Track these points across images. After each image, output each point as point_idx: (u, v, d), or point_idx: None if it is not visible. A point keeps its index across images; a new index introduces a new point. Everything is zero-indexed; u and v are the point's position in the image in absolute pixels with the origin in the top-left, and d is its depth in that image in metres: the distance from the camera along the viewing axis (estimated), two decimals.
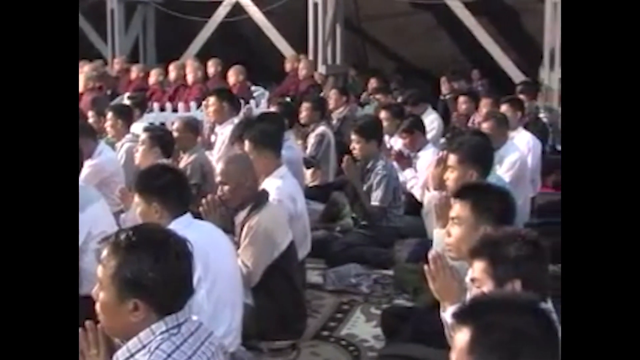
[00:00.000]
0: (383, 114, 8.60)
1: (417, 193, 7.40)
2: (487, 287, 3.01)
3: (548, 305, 3.11)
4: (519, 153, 7.30)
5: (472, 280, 3.12)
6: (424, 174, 7.04)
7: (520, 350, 2.07)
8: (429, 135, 8.78)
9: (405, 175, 7.73)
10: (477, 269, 3.07)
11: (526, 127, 8.89)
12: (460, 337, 2.13)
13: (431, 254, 3.59)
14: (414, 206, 7.05)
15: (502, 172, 6.80)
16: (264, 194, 5.08)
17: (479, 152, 5.22)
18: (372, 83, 13.03)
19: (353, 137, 7.07)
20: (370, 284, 6.11)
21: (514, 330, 2.08)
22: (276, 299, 4.97)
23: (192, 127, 7.41)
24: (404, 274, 6.03)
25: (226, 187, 5.00)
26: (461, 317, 2.17)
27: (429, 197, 5.76)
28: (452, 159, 5.15)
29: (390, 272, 6.31)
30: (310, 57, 15.03)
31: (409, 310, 5.23)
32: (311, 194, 7.94)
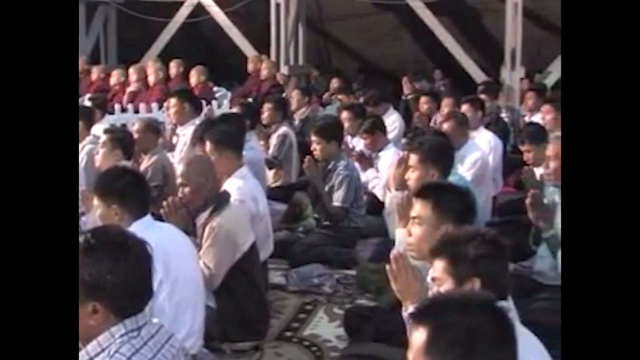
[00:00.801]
0: (344, 115, 8.63)
1: (379, 193, 7.43)
2: (447, 286, 3.02)
3: (508, 303, 3.13)
4: (480, 152, 7.35)
5: (433, 279, 3.14)
6: (385, 174, 7.06)
7: (476, 349, 2.08)
8: (390, 136, 8.81)
9: (367, 176, 7.76)
10: (437, 268, 3.09)
11: (487, 127, 8.98)
12: (417, 337, 2.13)
13: (393, 254, 3.59)
14: (376, 206, 7.08)
15: (464, 171, 6.84)
16: (225, 195, 5.07)
17: (440, 151, 5.24)
18: (334, 83, 13.04)
19: (313, 138, 7.07)
20: (333, 284, 6.12)
21: (469, 329, 2.09)
22: (238, 301, 4.96)
23: (153, 128, 7.37)
24: (366, 273, 6.05)
25: (187, 189, 4.97)
26: (418, 316, 2.18)
27: (390, 197, 5.77)
28: (413, 158, 5.17)
29: (352, 272, 6.32)
30: (273, 57, 15.03)
31: (371, 310, 5.25)
32: (273, 194, 7.93)
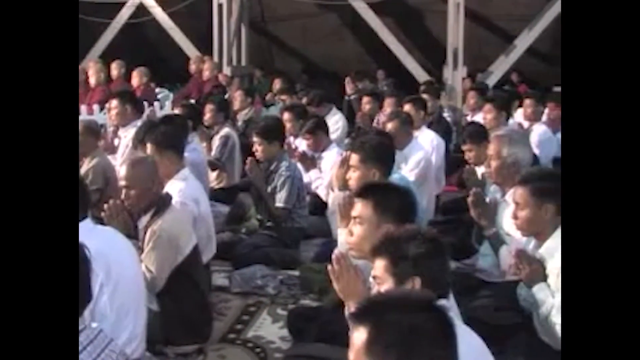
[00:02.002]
0: (286, 115, 8.62)
1: (321, 193, 7.44)
2: (388, 285, 3.04)
3: (449, 301, 3.15)
4: (423, 152, 7.40)
5: (374, 278, 3.15)
6: (328, 174, 7.07)
7: (415, 348, 2.09)
8: (333, 136, 8.83)
9: (309, 176, 7.77)
10: (378, 267, 3.09)
11: (430, 126, 9.03)
12: (357, 337, 2.14)
13: (334, 254, 3.60)
14: (319, 206, 7.09)
15: (407, 171, 6.88)
16: (167, 198, 5.02)
17: (381, 151, 5.26)
18: (277, 84, 13.04)
19: (255, 139, 7.05)
20: (277, 285, 6.10)
21: (409, 329, 2.10)
22: (181, 303, 4.92)
23: (93, 130, 7.26)
24: (309, 274, 6.05)
25: (132, 192, 4.90)
26: (357, 316, 2.18)
27: (333, 197, 5.78)
28: (354, 158, 5.18)
29: (296, 273, 6.31)
30: (215, 58, 14.98)
31: (314, 310, 5.25)
32: (216, 196, 7.91)
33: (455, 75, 15.11)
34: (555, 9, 16.20)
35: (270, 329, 5.44)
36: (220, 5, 15.54)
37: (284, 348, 5.08)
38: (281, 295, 6.02)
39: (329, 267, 3.55)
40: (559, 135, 9.40)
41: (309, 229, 7.01)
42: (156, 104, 11.13)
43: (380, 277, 3.08)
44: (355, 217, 3.90)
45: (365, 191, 3.97)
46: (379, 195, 3.89)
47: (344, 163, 5.43)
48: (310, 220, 7.04)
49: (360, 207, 3.87)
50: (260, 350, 5.10)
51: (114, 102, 8.34)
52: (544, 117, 9.67)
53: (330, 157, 7.64)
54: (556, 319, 4.10)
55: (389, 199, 3.86)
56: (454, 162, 8.78)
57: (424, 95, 10.03)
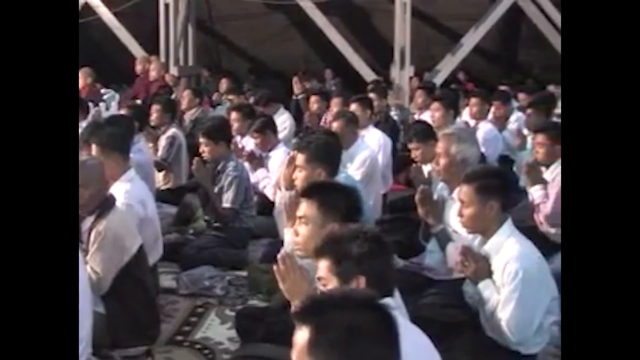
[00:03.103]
0: (233, 115, 8.58)
1: (269, 193, 7.42)
2: (332, 285, 3.03)
3: (394, 300, 3.16)
4: (369, 151, 7.41)
5: (318, 279, 3.14)
6: (275, 173, 7.05)
7: (358, 347, 2.09)
8: (281, 135, 8.81)
9: (257, 176, 7.74)
10: (322, 267, 3.09)
11: (377, 126, 9.06)
12: (300, 336, 2.14)
13: (280, 254, 3.60)
14: (267, 206, 7.06)
15: (353, 170, 6.89)
16: (111, 199, 4.98)
17: (327, 151, 5.26)
18: (224, 84, 12.99)
19: (201, 139, 7.00)
20: (225, 286, 6.08)
21: (351, 328, 2.10)
22: (128, 306, 4.87)
23: None
24: (257, 274, 6.03)
25: (86, 193, 4.80)
26: (300, 316, 2.18)
27: (280, 197, 5.78)
28: (299, 158, 5.18)
29: (244, 273, 6.29)
30: (162, 58, 14.87)
31: (262, 311, 5.22)
32: (163, 197, 7.86)
33: (402, 74, 15.19)
34: (501, 9, 16.37)
35: (218, 330, 5.41)
36: (166, 5, 15.44)
37: (232, 349, 5.06)
38: (229, 296, 5.99)
39: (275, 267, 3.55)
40: (504, 133, 9.50)
41: (257, 229, 6.99)
42: (102, 104, 11.03)
43: (324, 278, 3.08)
44: (300, 217, 3.90)
45: (310, 191, 3.97)
46: (323, 194, 3.89)
47: (291, 163, 5.43)
48: (257, 220, 7.02)
49: (305, 207, 3.87)
50: (208, 352, 5.08)
51: None
52: (490, 116, 9.75)
53: (278, 157, 7.63)
54: (502, 314, 4.14)
55: (333, 198, 3.87)
56: (401, 161, 8.81)
57: (371, 95, 10.06)
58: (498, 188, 4.35)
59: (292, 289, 3.51)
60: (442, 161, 5.41)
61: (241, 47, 18.62)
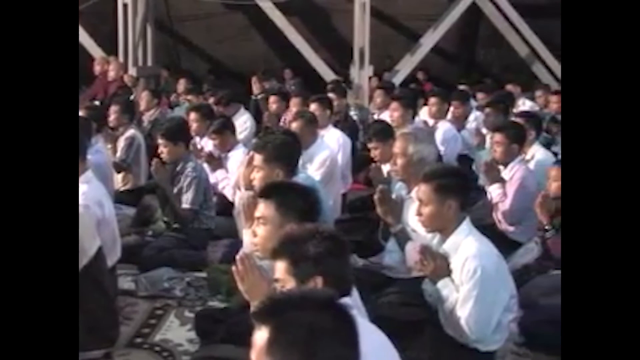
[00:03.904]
0: (192, 116, 8.54)
1: (228, 193, 7.40)
2: (290, 286, 3.03)
3: (353, 299, 3.16)
4: (328, 151, 7.42)
5: (276, 280, 3.13)
6: (235, 174, 7.03)
7: (316, 347, 2.10)
8: (241, 136, 8.80)
9: (216, 176, 7.72)
10: (279, 268, 3.08)
11: (336, 125, 9.06)
12: (259, 337, 2.14)
13: (239, 255, 3.60)
14: (226, 207, 7.04)
15: (312, 170, 6.89)
16: None
17: (285, 151, 5.26)
18: (183, 84, 12.93)
19: (160, 140, 6.96)
20: (184, 287, 6.05)
21: (309, 327, 2.11)
22: (86, 308, 4.82)
23: None
24: (217, 275, 6.01)
25: None
26: (259, 316, 2.18)
27: (239, 198, 5.76)
28: (257, 158, 5.17)
29: (203, 274, 6.26)
30: (121, 59, 14.76)
31: (222, 312, 5.21)
32: (122, 198, 7.80)
33: (361, 74, 15.22)
34: (460, 9, 16.46)
35: (177, 332, 5.38)
36: (125, 5, 15.32)
37: (191, 350, 5.04)
38: (189, 298, 5.96)
39: (234, 268, 3.54)
40: (463, 132, 9.56)
41: (216, 230, 6.96)
42: None
43: (281, 279, 3.07)
44: (258, 218, 3.89)
45: (268, 191, 3.96)
46: (281, 195, 3.89)
47: (249, 163, 5.42)
48: (217, 221, 6.99)
49: (263, 208, 3.87)
50: (167, 354, 5.06)
51: None
52: (449, 115, 9.80)
53: (237, 157, 7.61)
54: (460, 312, 4.16)
55: (292, 198, 3.87)
56: (361, 160, 8.83)
57: (331, 95, 10.07)
58: (456, 187, 4.37)
59: (251, 290, 3.51)
60: (400, 161, 5.43)
61: (200, 48, 18.55)
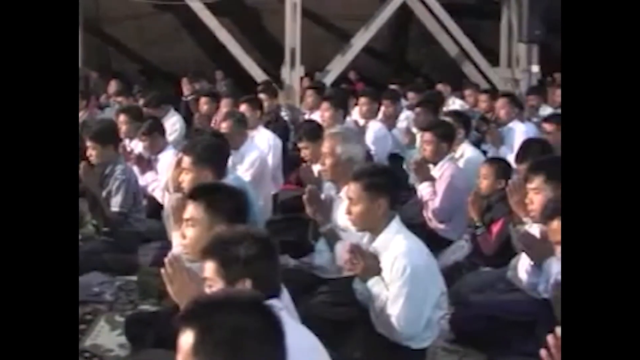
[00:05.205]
0: (121, 118, 8.44)
1: (158, 196, 7.34)
2: (218, 286, 3.01)
3: (281, 300, 3.15)
4: (258, 152, 7.41)
5: (204, 280, 3.11)
6: (164, 176, 6.97)
7: (243, 348, 2.09)
8: (171, 138, 8.74)
9: (146, 179, 7.64)
10: (209, 268, 3.06)
11: (267, 126, 9.06)
12: (184, 339, 2.13)
13: (168, 257, 3.57)
14: (157, 209, 6.97)
15: (243, 171, 6.88)
16: None
17: (213, 152, 5.23)
18: (112, 86, 12.79)
19: (88, 143, 6.84)
20: (114, 292, 5.99)
21: (235, 329, 2.10)
22: None
23: None
24: (147, 278, 5.93)
25: None
26: (184, 319, 2.16)
27: (168, 200, 5.72)
28: (186, 160, 5.14)
29: (134, 278, 6.20)
30: None
31: (153, 315, 5.15)
32: None
33: (293, 75, 15.24)
34: (390, 9, 16.58)
35: (108, 337, 5.31)
36: None
37: (122, 356, 4.98)
38: (119, 302, 5.90)
39: (163, 270, 3.51)
40: (394, 131, 9.62)
41: (147, 233, 6.88)
42: None
43: (210, 280, 3.05)
44: (187, 220, 3.87)
45: (197, 193, 3.94)
46: (210, 196, 3.87)
47: (178, 165, 5.38)
48: (147, 223, 6.92)
49: (191, 209, 3.85)
50: None
51: None
52: (380, 115, 9.86)
53: (167, 159, 7.54)
54: (391, 310, 4.18)
55: (220, 200, 3.85)
56: (292, 161, 8.81)
57: (261, 95, 10.06)
58: (386, 186, 4.39)
59: (180, 292, 3.48)
60: (328, 161, 5.43)
61: (130, 49, 18.37)
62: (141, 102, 10.30)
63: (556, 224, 3.49)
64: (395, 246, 4.24)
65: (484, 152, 8.27)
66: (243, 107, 8.41)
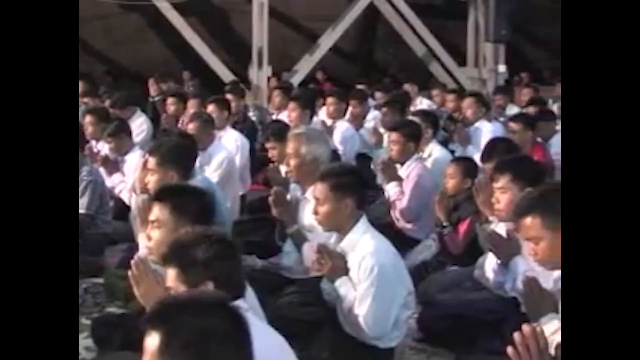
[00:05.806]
0: (87, 119, 8.37)
1: (125, 197, 7.29)
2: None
3: (246, 301, 3.14)
4: (226, 152, 7.39)
5: (167, 288, 3.09)
6: (131, 177, 6.93)
7: (209, 350, 2.10)
8: (138, 139, 8.69)
9: (113, 180, 7.58)
10: (170, 276, 3.04)
11: (235, 126, 9.04)
12: (150, 342, 2.13)
13: (134, 259, 3.56)
14: (123, 211, 6.93)
15: (210, 171, 6.85)
16: None
17: (178, 153, 5.21)
18: (79, 86, 12.68)
19: None
20: (81, 294, 5.93)
21: (201, 331, 2.10)
22: None
23: None
24: (114, 280, 5.90)
25: None
26: (149, 322, 2.16)
27: (135, 201, 5.68)
28: (151, 161, 5.11)
29: (101, 280, 6.15)
30: None
31: (119, 318, 5.12)
32: None
33: (260, 75, 15.23)
34: (358, 9, 16.61)
35: None
36: None
37: (88, 359, 4.94)
38: (86, 305, 5.84)
39: (129, 272, 3.50)
40: (361, 131, 9.63)
41: (114, 235, 6.84)
42: None
43: (173, 287, 3.03)
44: (153, 221, 3.85)
45: (162, 194, 3.93)
46: (175, 197, 3.86)
47: (144, 166, 5.35)
48: (114, 225, 6.88)
49: (157, 211, 3.83)
50: None
51: None
52: (347, 115, 9.87)
53: (133, 161, 7.49)
54: (359, 310, 4.18)
55: (186, 201, 3.84)
56: (259, 161, 8.80)
57: (229, 95, 10.04)
58: (352, 185, 4.39)
59: (146, 294, 3.48)
60: (293, 162, 5.41)
61: (97, 49, 18.25)
62: (107, 103, 10.23)
63: (529, 221, 3.50)
64: (363, 246, 4.24)
65: (452, 152, 8.30)
66: (210, 108, 8.38)
